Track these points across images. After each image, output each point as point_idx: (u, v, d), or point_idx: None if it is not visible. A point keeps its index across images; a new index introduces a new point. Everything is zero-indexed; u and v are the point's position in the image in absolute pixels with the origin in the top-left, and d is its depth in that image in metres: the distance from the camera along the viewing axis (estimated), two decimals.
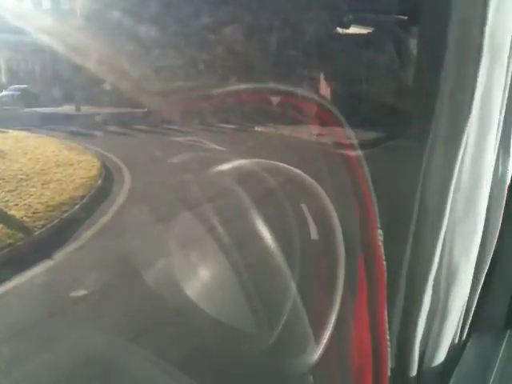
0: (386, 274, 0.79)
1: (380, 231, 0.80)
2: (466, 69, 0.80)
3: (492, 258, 1.03)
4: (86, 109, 3.84)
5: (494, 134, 0.86)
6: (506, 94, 0.87)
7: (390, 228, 0.82)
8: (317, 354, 0.81)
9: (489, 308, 1.04)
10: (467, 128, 0.80)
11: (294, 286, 0.77)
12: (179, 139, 3.06)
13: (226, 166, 0.81)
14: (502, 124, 0.98)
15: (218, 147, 2.43)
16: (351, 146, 0.85)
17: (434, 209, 0.82)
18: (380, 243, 0.80)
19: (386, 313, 0.81)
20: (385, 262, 0.79)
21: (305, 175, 0.84)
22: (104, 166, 3.02)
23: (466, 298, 0.93)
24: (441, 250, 0.83)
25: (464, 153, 0.82)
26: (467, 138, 0.81)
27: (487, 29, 0.76)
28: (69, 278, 1.75)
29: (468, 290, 0.92)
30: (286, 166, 0.87)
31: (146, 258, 1.07)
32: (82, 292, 1.58)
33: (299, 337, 0.79)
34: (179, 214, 0.93)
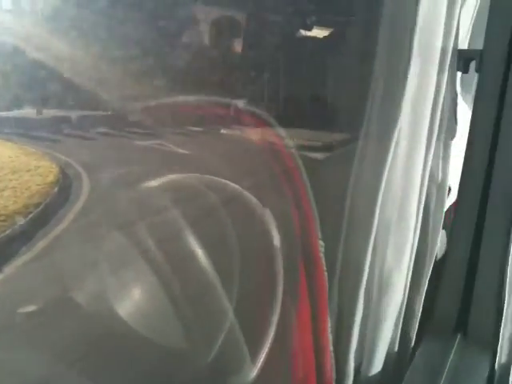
0: (327, 286, 0.77)
1: (321, 242, 0.78)
2: (397, 70, 0.79)
3: (440, 262, 1.03)
4: (48, 112, 3.69)
5: (424, 139, 0.85)
6: (441, 97, 0.87)
7: (327, 238, 0.80)
8: (257, 370, 0.78)
9: (438, 313, 1.04)
10: (397, 132, 0.79)
11: (232, 304, 0.74)
12: (144, 143, 2.98)
13: (158, 181, 0.77)
14: (444, 129, 0.98)
15: (182, 150, 2.37)
16: (289, 153, 0.83)
17: (363, 217, 0.80)
18: (321, 254, 0.78)
19: (328, 324, 0.79)
20: (326, 274, 0.77)
21: (243, 190, 0.81)
22: (62, 171, 2.90)
23: (401, 305, 0.93)
24: (372, 259, 0.82)
25: (394, 158, 0.81)
26: (398, 143, 0.80)
27: (417, 29, 0.75)
28: (18, 293, 1.66)
29: (401, 297, 0.92)
30: (223, 180, 0.84)
31: (92, 275, 1.02)
32: (30, 308, 1.50)
33: (239, 354, 0.76)
34: (121, 230, 0.89)
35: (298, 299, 0.77)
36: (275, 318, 0.75)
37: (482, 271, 0.98)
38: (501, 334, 0.87)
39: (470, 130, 1.00)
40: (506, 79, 0.98)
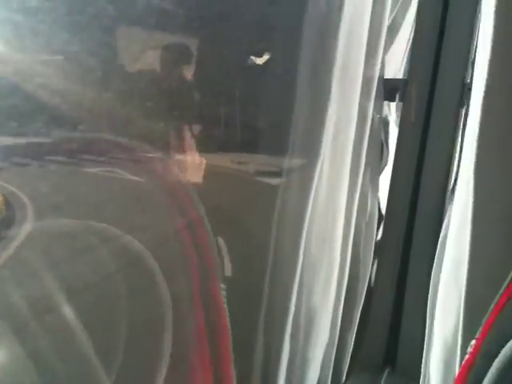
0: (230, 331, 0.71)
1: (222, 285, 0.73)
2: (320, 96, 0.76)
3: (367, 296, 1.00)
4: None
5: (348, 170, 0.83)
6: (367, 126, 0.85)
7: (245, 278, 0.75)
8: None
9: (367, 346, 1.00)
10: (321, 162, 0.76)
11: (116, 370, 0.65)
12: (95, 170, 2.82)
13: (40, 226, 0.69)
14: (372, 158, 0.96)
15: (136, 178, 2.25)
16: (189, 197, 0.78)
17: (288, 252, 0.76)
18: (224, 298, 0.72)
19: (232, 372, 0.73)
20: (228, 318, 0.71)
21: (133, 240, 0.74)
22: (6, 202, 2.68)
23: (331, 341, 0.90)
24: (298, 296, 0.77)
25: (318, 189, 0.78)
26: (321, 173, 0.77)
27: (339, 52, 0.73)
28: None
29: (329, 334, 0.88)
30: (115, 230, 0.76)
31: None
32: None
33: None
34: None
35: (197, 350, 0.70)
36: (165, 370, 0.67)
37: (408, 305, 0.96)
38: (422, 367, 0.85)
39: (395, 159, 0.99)
40: (429, 109, 0.98)
